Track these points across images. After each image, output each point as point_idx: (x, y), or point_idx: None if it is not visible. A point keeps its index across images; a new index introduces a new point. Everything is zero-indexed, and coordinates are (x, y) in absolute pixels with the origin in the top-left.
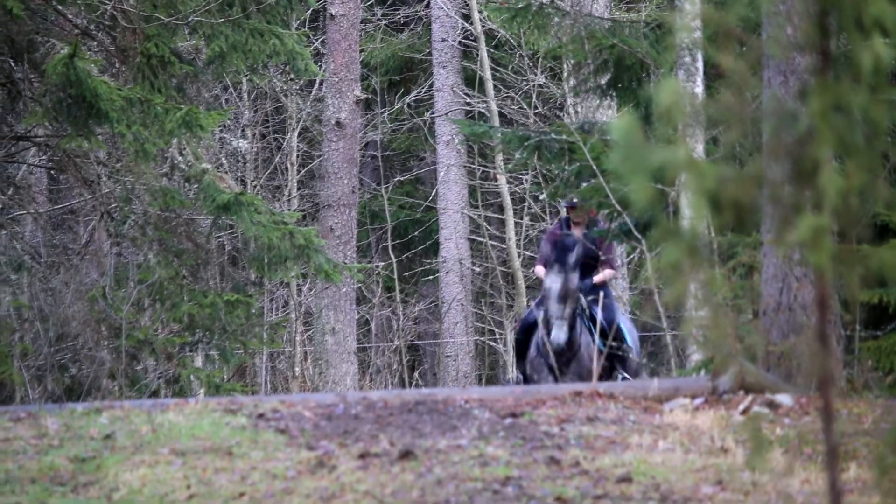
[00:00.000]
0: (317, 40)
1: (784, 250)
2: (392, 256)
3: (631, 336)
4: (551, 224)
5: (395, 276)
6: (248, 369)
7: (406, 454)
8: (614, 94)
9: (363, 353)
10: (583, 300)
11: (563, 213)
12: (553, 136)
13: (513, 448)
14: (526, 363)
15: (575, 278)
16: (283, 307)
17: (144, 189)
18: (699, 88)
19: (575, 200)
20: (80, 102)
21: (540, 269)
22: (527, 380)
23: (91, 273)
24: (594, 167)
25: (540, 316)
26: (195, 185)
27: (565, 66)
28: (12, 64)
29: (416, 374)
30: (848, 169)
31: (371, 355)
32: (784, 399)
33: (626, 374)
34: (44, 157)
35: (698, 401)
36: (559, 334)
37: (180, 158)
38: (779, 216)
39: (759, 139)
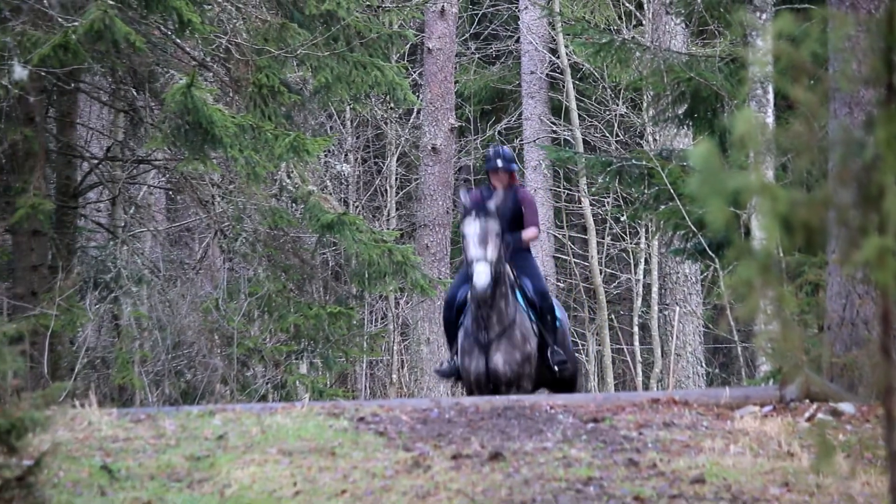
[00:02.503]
0: (415, 72)
1: (849, 269)
2: None
3: (558, 308)
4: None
5: None
6: (349, 376)
7: (495, 455)
8: (691, 123)
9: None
10: (510, 271)
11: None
12: (633, 161)
13: (594, 450)
14: (455, 348)
15: (494, 223)
16: (382, 319)
17: (255, 209)
18: (770, 119)
19: (498, 161)
20: (197, 129)
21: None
22: (456, 366)
23: (205, 286)
24: (672, 191)
25: (468, 293)
26: (301, 206)
27: (645, 97)
28: (135, 93)
29: None
30: None
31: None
32: (847, 407)
33: (557, 349)
34: (163, 179)
35: (767, 408)
36: (481, 278)
37: (288, 181)
38: (845, 237)
39: (826, 166)
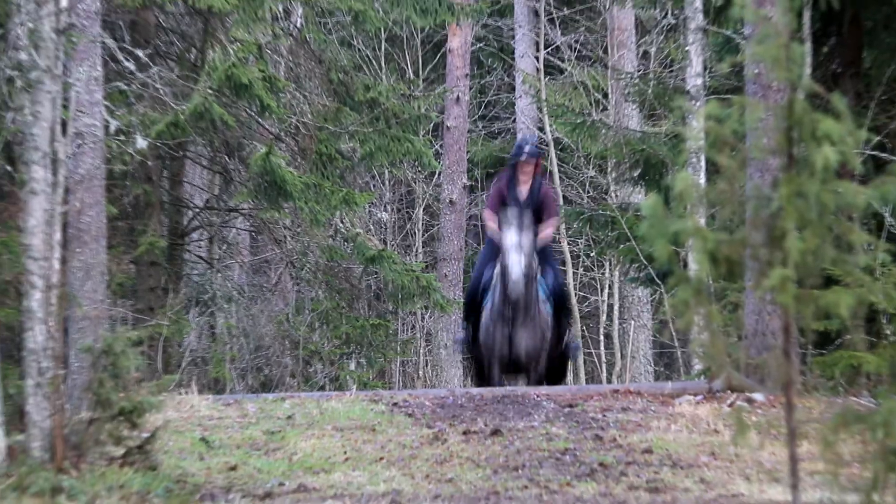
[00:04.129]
0: (437, 144)
1: (760, 293)
2: None
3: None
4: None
5: None
6: (386, 372)
7: (495, 432)
8: (643, 183)
9: (466, 361)
10: (535, 262)
11: (512, 164)
12: (600, 212)
13: (570, 428)
14: (481, 327)
15: (527, 237)
16: (411, 329)
17: (316, 246)
18: (702, 180)
19: (525, 153)
20: (273, 186)
21: (488, 214)
22: (476, 333)
23: (279, 304)
24: (629, 234)
25: (496, 272)
26: (351, 244)
27: (609, 163)
28: (227, 158)
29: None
30: (805, 236)
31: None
32: (758, 396)
33: (572, 336)
34: (247, 223)
35: (699, 397)
36: (517, 265)
37: (341, 225)
38: (757, 269)
39: (743, 215)
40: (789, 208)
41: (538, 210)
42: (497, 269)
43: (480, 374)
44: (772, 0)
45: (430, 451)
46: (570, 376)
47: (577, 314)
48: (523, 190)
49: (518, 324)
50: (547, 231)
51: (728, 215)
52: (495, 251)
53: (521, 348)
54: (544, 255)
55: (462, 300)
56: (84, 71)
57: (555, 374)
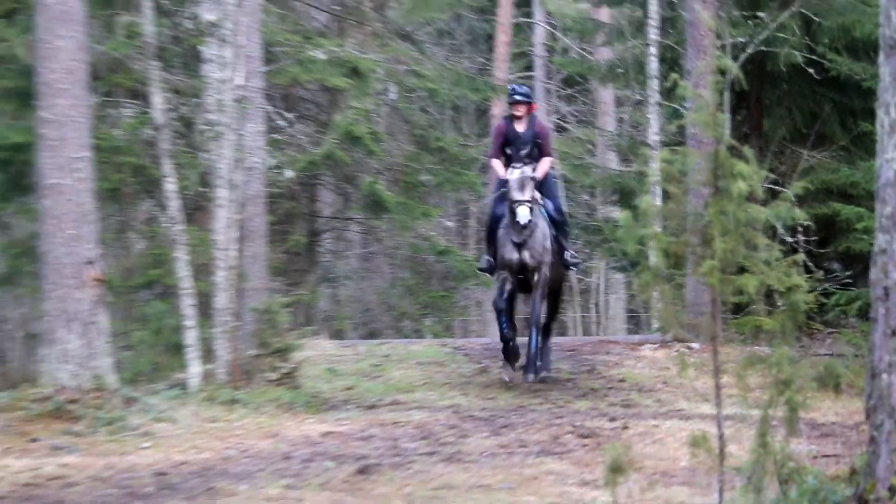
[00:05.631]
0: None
1: (697, 277)
2: None
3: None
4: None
5: None
6: (450, 326)
7: (524, 367)
8: (619, 204)
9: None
10: (537, 193)
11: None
12: (591, 223)
13: (571, 365)
14: (497, 245)
15: (530, 170)
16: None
17: (404, 243)
18: (659, 202)
19: (516, 96)
20: (376, 203)
21: (493, 160)
22: (495, 258)
23: (379, 281)
24: (609, 238)
25: (506, 206)
26: (427, 242)
27: (597, 191)
28: (346, 185)
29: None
30: (726, 240)
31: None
32: (695, 345)
33: (569, 250)
34: (359, 228)
35: (656, 346)
36: (524, 213)
37: (422, 230)
38: (694, 261)
39: (685, 226)
40: (716, 221)
41: (536, 145)
42: (506, 204)
43: (501, 293)
44: (704, 84)
45: (479, 379)
46: (573, 331)
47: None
48: (520, 127)
49: (523, 238)
50: (543, 166)
51: (675, 225)
52: (503, 190)
53: (527, 256)
54: (545, 184)
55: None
56: (252, 127)
57: (558, 285)
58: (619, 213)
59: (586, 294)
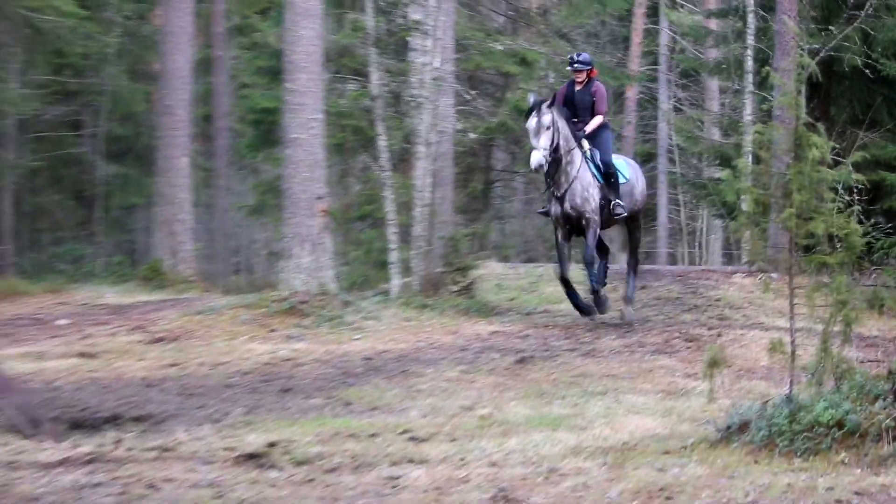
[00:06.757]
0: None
1: (779, 222)
2: None
3: (629, 168)
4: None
5: None
6: None
7: (643, 287)
8: (721, 166)
9: None
10: (586, 144)
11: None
12: (698, 180)
13: (680, 287)
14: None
15: (546, 118)
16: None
17: None
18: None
19: (576, 64)
20: None
21: None
22: (546, 209)
23: (537, 219)
24: (712, 192)
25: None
26: None
27: (704, 156)
28: (513, 146)
29: None
30: (801, 194)
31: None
32: (775, 275)
33: (619, 201)
34: (522, 179)
35: (745, 275)
36: (533, 161)
37: None
38: (777, 209)
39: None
40: (795, 179)
41: (591, 105)
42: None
43: (558, 256)
44: (788, 77)
45: (611, 295)
46: (684, 261)
47: (632, 184)
48: (580, 88)
49: (563, 191)
50: (594, 123)
51: (763, 182)
52: None
53: (567, 207)
54: (597, 137)
55: None
56: (445, 100)
57: (631, 224)
58: (720, 174)
59: (692, 234)
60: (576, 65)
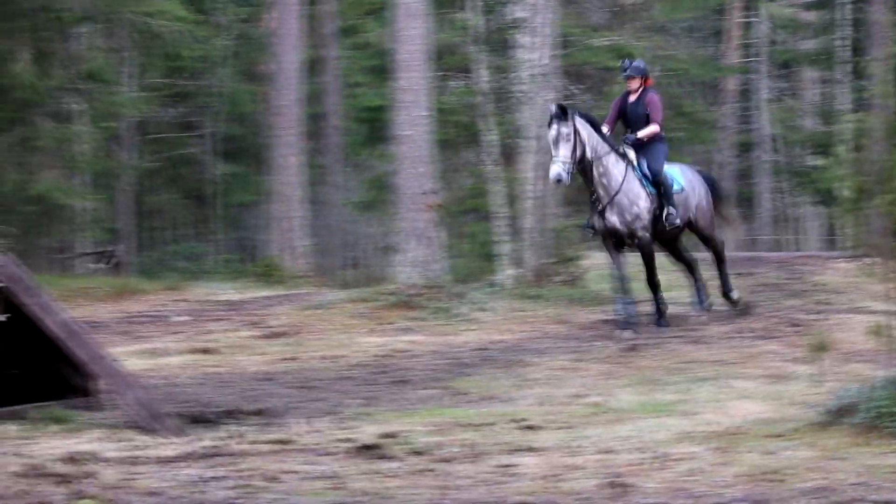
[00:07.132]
0: None
1: (878, 207)
2: None
3: (685, 176)
4: None
5: None
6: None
7: (738, 274)
8: (822, 155)
9: None
10: (631, 153)
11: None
12: (799, 168)
13: (781, 273)
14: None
15: (565, 128)
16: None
17: None
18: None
19: (629, 71)
20: None
21: (604, 128)
22: (591, 224)
23: None
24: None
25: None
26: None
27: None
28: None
29: None
30: None
31: None
32: (876, 260)
33: (672, 209)
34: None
35: (846, 260)
36: (553, 171)
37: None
38: (877, 194)
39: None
40: (893, 166)
41: (645, 115)
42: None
43: (612, 266)
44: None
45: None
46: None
47: (690, 193)
48: (633, 99)
49: (605, 204)
50: (646, 131)
51: (863, 168)
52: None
53: (615, 221)
54: (648, 148)
55: None
56: (550, 95)
57: (665, 237)
58: (820, 161)
59: (795, 220)
60: (628, 71)
